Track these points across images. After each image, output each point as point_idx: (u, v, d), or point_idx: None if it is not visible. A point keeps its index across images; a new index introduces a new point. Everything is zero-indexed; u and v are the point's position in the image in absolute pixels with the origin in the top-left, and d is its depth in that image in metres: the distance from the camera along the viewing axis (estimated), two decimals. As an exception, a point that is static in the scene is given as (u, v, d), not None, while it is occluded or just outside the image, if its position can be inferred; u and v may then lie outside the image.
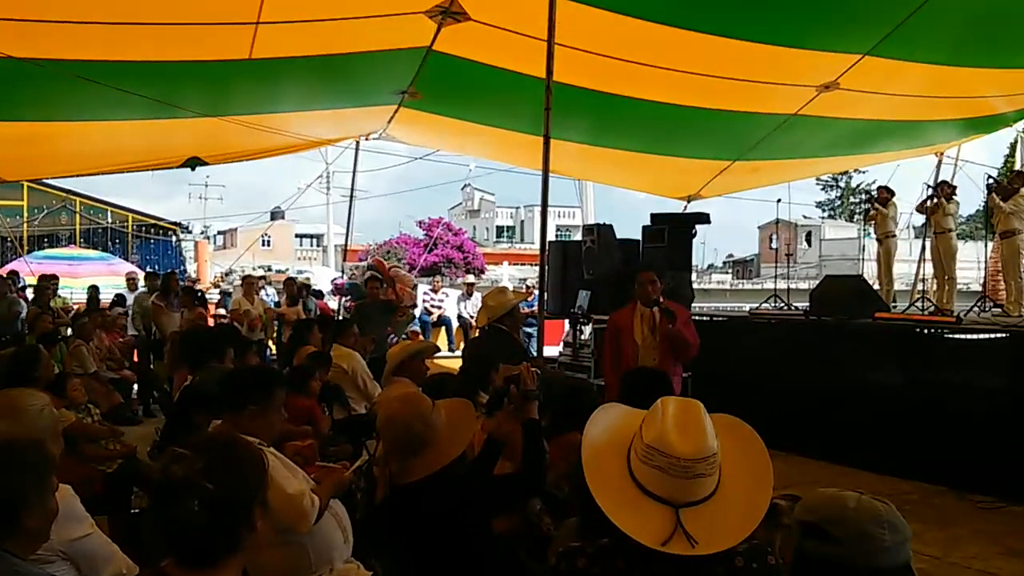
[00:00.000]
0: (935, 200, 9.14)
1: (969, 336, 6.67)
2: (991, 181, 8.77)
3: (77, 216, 20.18)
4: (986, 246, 10.61)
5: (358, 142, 10.22)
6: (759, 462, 1.71)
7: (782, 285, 10.01)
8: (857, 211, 40.91)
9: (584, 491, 1.69)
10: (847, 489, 1.54)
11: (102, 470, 4.25)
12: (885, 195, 9.85)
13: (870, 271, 11.47)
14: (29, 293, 10.49)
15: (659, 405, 1.66)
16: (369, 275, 9.72)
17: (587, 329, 8.78)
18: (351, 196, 11.23)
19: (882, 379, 6.68)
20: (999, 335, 6.42)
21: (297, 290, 10.16)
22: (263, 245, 34.89)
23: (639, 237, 8.97)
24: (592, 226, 9.07)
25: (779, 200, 11.48)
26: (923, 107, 7.98)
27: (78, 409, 4.70)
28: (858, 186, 45.55)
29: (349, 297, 10.80)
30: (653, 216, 9.03)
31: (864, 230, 12.95)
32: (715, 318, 9.08)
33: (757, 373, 7.48)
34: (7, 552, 1.71)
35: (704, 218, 9.11)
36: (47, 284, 9.73)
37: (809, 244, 34.76)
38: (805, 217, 41.26)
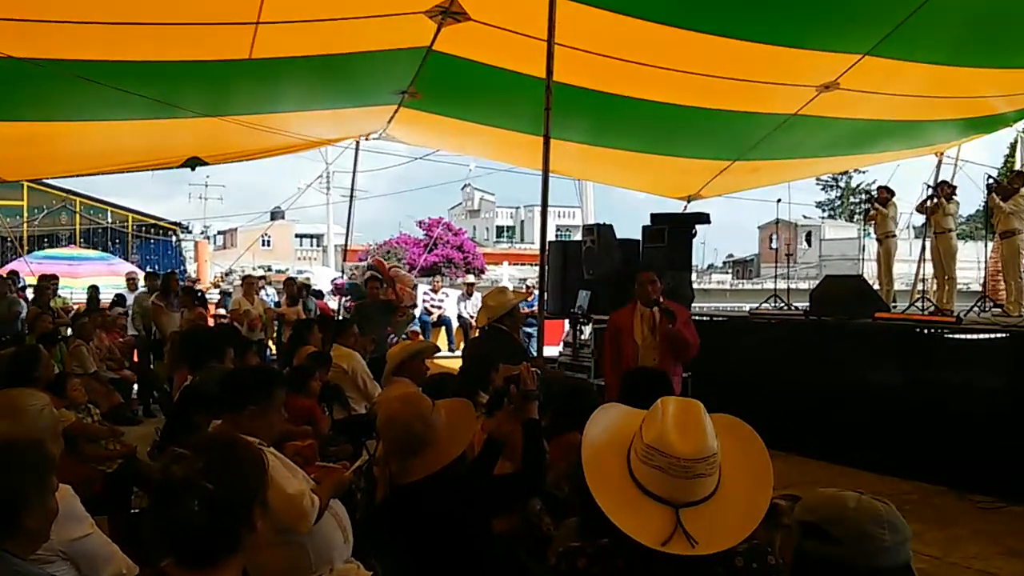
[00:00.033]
0: (935, 200, 9.13)
1: (969, 336, 6.67)
2: (991, 181, 8.76)
3: (77, 216, 20.17)
4: (986, 246, 10.61)
5: (358, 142, 10.21)
6: (759, 462, 1.71)
7: (782, 285, 10.01)
8: (857, 211, 40.89)
9: (584, 491, 1.69)
10: (847, 489, 1.54)
11: (102, 470, 4.25)
12: (885, 195, 9.84)
13: (870, 271, 11.46)
14: (29, 293, 10.49)
15: (659, 405, 1.66)
16: (369, 275, 9.72)
17: (587, 329, 8.78)
18: (351, 196, 11.24)
19: (882, 379, 6.67)
20: (999, 335, 6.41)
21: (297, 290, 10.16)
22: (263, 245, 34.89)
23: (639, 237, 8.97)
24: (592, 226, 9.07)
25: (779, 200, 11.49)
26: (923, 107, 7.97)
27: (78, 409, 4.69)
28: (858, 186, 45.55)
29: (349, 297, 10.79)
30: (653, 216, 9.02)
31: (864, 230, 12.95)
32: (715, 318, 9.07)
33: (757, 373, 7.48)
34: (7, 552, 1.71)
35: (704, 218, 9.10)
36: (47, 284, 9.72)
37: (809, 244, 34.76)
38: (805, 217, 41.25)
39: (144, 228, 21.29)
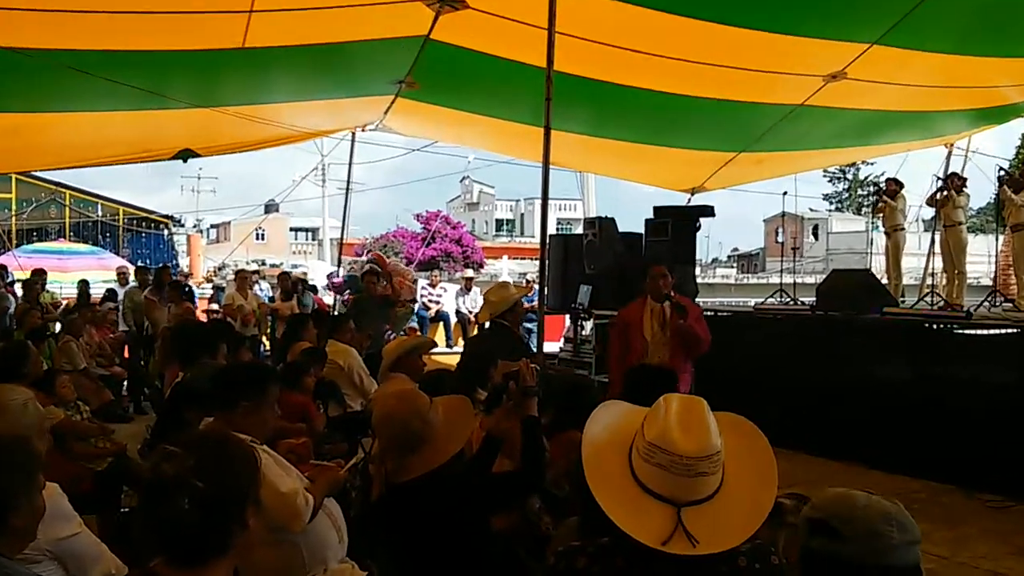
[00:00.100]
0: (945, 192, 9.05)
1: (979, 332, 6.58)
2: (1002, 173, 8.70)
3: (67, 209, 20.12)
4: (997, 239, 10.56)
5: (354, 133, 10.18)
6: (763, 460, 1.70)
7: (788, 280, 9.96)
8: (865, 204, 40.73)
9: (584, 489, 1.67)
10: (853, 488, 1.55)
11: (91, 468, 4.22)
12: (894, 187, 9.76)
13: (878, 265, 11.40)
14: (17, 288, 10.42)
15: (662, 402, 1.64)
16: (367, 268, 9.64)
17: (588, 325, 8.72)
18: (347, 189, 11.21)
19: (890, 376, 6.60)
20: (1010, 331, 6.33)
21: (292, 285, 10.07)
22: (257, 239, 34.90)
23: (642, 231, 8.91)
24: (594, 219, 9.05)
25: (785, 192, 11.33)
26: (932, 97, 7.92)
27: (67, 406, 4.66)
28: (866, 178, 45.29)
29: (349, 291, 10.72)
30: (656, 209, 8.99)
31: (872, 223, 12.89)
32: (719, 313, 8.99)
33: (762, 370, 7.41)
34: (-7, 551, 1.72)
35: (708, 211, 9.07)
36: (36, 279, 9.72)
37: (816, 237, 34.78)
38: (812, 210, 41.24)
39: (135, 221, 21.25)
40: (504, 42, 6.51)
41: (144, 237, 21.33)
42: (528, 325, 9.05)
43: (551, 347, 9.11)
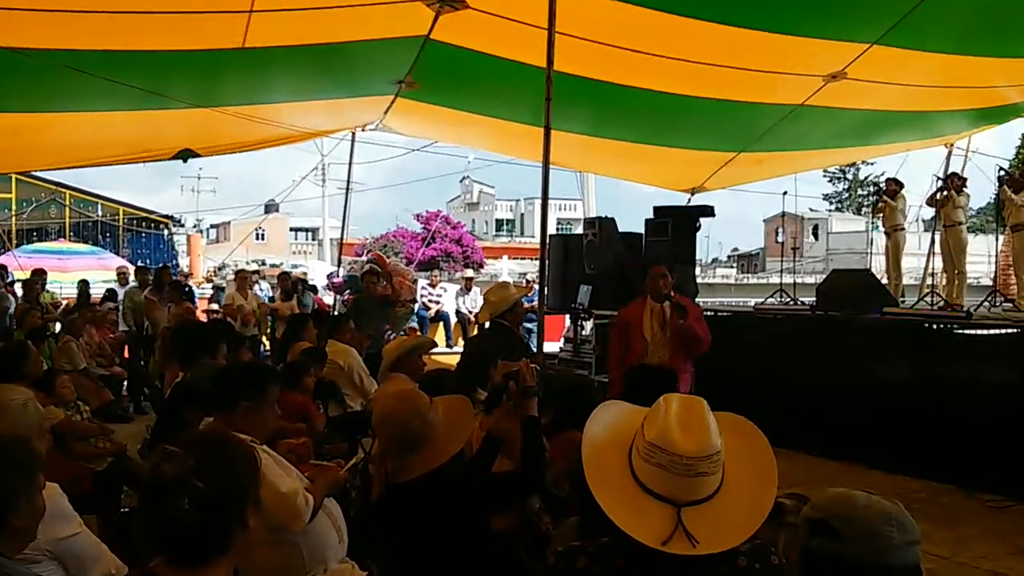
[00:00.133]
0: (945, 192, 9.04)
1: (979, 332, 6.57)
2: (1002, 173, 8.69)
3: (67, 209, 20.10)
4: (997, 239, 10.55)
5: (354, 133, 10.17)
6: (764, 460, 1.69)
7: (788, 280, 9.94)
8: (865, 204, 40.71)
9: (584, 489, 1.67)
10: (853, 488, 1.55)
11: (91, 468, 4.22)
12: (894, 187, 9.75)
13: (878, 265, 11.39)
14: (17, 288, 10.41)
15: (662, 402, 1.64)
16: (367, 268, 9.63)
17: (588, 325, 8.71)
18: (347, 189, 11.20)
19: (890, 376, 6.59)
20: (1010, 330, 6.32)
21: (292, 285, 10.06)
22: (257, 239, 34.86)
23: (642, 231, 8.90)
24: (594, 219, 9.05)
25: (785, 192, 11.33)
26: (933, 97, 7.92)
27: (67, 406, 4.66)
28: (866, 178, 45.25)
29: (349, 291, 10.72)
30: (656, 209, 8.99)
31: (872, 223, 12.90)
32: (719, 313, 8.98)
33: (762, 370, 7.40)
34: (-7, 551, 1.72)
35: (708, 211, 9.06)
36: (36, 279, 9.71)
37: (816, 237, 34.75)
38: (812, 210, 41.19)
39: (135, 221, 21.24)
40: (504, 42, 6.50)
41: (144, 237, 21.31)
42: (528, 325, 9.04)
43: (551, 347, 9.10)
